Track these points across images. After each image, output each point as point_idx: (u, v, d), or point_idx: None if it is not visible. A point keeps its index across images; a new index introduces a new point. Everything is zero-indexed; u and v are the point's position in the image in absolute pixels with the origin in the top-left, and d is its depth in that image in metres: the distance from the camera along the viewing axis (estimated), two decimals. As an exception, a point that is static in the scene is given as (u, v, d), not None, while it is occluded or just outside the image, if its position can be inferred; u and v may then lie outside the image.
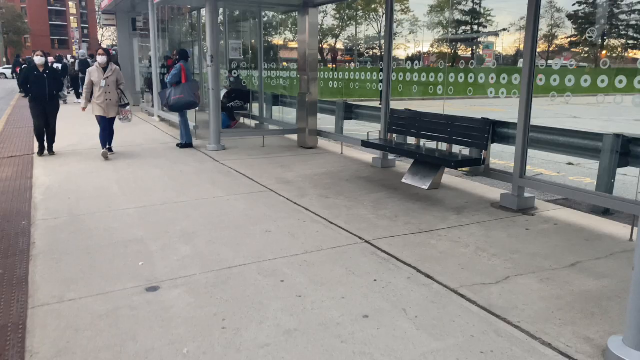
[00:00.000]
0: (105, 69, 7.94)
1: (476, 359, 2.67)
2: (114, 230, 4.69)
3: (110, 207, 5.42)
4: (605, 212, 5.55)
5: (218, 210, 5.31)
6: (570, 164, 8.64)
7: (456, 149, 5.99)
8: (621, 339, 2.69)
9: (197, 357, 2.68)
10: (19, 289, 3.47)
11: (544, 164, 8.50)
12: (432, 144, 6.42)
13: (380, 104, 7.92)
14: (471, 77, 6.21)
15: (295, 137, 9.70)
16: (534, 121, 5.56)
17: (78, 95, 18.60)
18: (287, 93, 11.24)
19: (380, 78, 7.67)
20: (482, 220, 5.05)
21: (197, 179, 6.73)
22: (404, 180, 6.18)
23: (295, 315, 3.11)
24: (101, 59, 7.93)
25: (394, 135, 7.26)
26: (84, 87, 8.06)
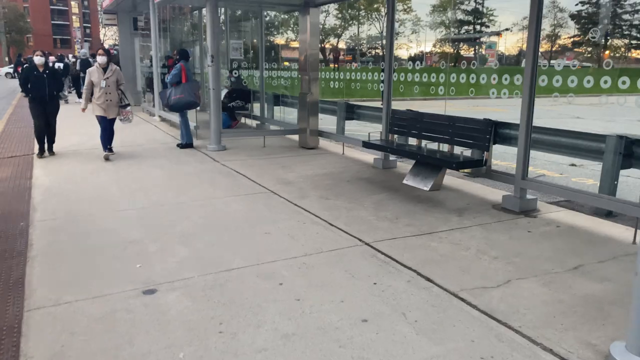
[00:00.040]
0: (105, 69, 7.91)
1: (476, 364, 2.63)
2: (113, 231, 4.65)
3: (109, 208, 5.39)
4: (608, 214, 5.49)
5: (217, 212, 5.28)
6: (573, 165, 8.58)
7: (458, 149, 5.95)
8: (624, 345, 2.65)
9: (194, 362, 2.65)
10: (15, 291, 3.44)
11: (546, 165, 8.44)
12: (433, 145, 6.37)
13: (382, 104, 7.88)
14: (473, 78, 6.17)
15: (296, 137, 9.66)
16: (537, 121, 5.50)
17: (79, 95, 18.58)
18: (288, 93, 11.20)
19: (382, 78, 7.62)
20: (484, 222, 5.00)
21: (197, 180, 6.69)
22: (405, 182, 6.13)
23: (294, 319, 3.07)
24: (101, 59, 7.90)
25: (396, 135, 7.22)
26: (84, 87, 8.03)
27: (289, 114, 11.17)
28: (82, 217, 5.08)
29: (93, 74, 7.90)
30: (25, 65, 9.77)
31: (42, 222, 4.90)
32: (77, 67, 19.28)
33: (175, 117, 10.23)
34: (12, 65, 41.87)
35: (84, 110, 8.07)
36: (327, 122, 10.43)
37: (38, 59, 8.01)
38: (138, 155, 8.37)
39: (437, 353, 2.73)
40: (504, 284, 3.59)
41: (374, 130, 7.47)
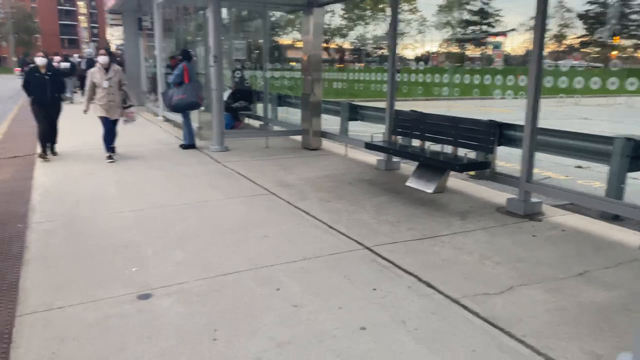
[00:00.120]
0: (107, 69, 7.86)
1: (477, 376, 2.55)
2: (110, 234, 4.60)
3: (108, 210, 5.34)
4: (615, 218, 5.37)
5: (216, 214, 5.21)
6: (579, 167, 8.45)
7: (462, 151, 5.85)
8: (630, 356, 2.55)
9: (186, 370, 2.58)
10: (8, 295, 3.39)
11: (552, 167, 8.32)
12: (437, 146, 6.28)
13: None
14: (477, 79, 6.07)
15: (299, 138, 9.59)
16: (543, 122, 5.40)
17: (85, 95, 18.60)
18: (291, 93, 11.13)
19: (385, 79, 7.53)
20: (487, 226, 4.90)
21: (198, 181, 6.64)
22: (408, 184, 6.05)
23: (290, 327, 2.99)
24: (103, 59, 7.85)
25: (399, 137, 7.13)
26: (86, 88, 7.99)
27: (293, 115, 11.11)
28: (81, 219, 5.03)
29: (95, 74, 7.86)
30: (30, 66, 9.75)
31: (39, 224, 4.86)
32: (83, 67, 19.32)
33: (178, 117, 10.19)
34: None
35: (85, 112, 8.03)
36: (331, 122, 10.36)
37: (40, 60, 7.97)
38: (140, 156, 8.33)
39: (437, 363, 2.65)
40: (506, 291, 3.50)
41: (378, 131, 7.38)
